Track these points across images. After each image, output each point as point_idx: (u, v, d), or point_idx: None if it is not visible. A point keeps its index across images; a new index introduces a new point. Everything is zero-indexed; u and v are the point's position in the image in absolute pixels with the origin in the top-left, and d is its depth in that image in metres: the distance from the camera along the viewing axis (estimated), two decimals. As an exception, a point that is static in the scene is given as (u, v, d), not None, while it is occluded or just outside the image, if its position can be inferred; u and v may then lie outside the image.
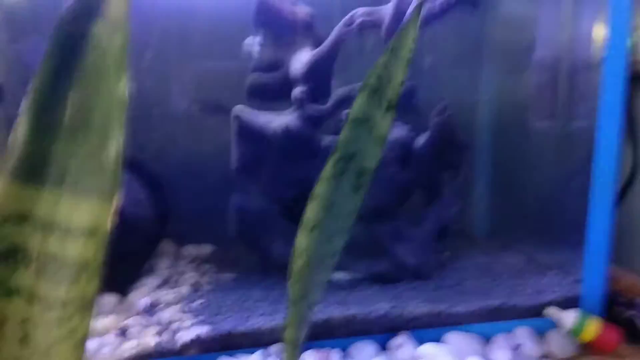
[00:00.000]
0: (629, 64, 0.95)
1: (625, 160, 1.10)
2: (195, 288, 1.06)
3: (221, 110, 1.10)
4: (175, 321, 0.93)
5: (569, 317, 0.97)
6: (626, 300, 1.02)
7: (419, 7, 0.58)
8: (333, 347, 0.91)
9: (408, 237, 1.09)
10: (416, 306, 0.96)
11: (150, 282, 1.07)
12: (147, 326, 0.92)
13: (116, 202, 0.43)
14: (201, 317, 0.93)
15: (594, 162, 0.98)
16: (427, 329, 0.94)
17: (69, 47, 0.43)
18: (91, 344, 0.87)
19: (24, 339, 0.42)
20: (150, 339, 0.89)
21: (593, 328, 0.95)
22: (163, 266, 1.15)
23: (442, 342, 0.94)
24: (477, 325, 0.96)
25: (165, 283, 1.08)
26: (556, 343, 0.96)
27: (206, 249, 1.25)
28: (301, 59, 1.07)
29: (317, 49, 1.07)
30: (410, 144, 1.08)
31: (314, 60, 1.06)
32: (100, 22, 0.41)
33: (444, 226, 1.13)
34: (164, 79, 1.17)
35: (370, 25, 1.05)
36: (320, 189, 0.59)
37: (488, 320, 0.97)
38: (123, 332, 0.92)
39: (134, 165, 1.09)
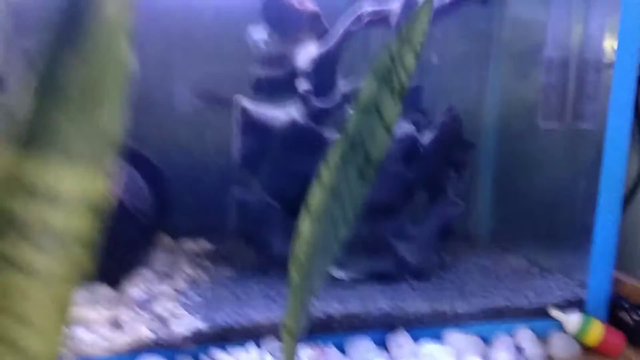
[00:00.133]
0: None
1: (630, 164, 1.08)
2: (192, 282, 1.04)
3: (223, 102, 1.08)
4: (170, 314, 0.91)
5: (572, 320, 0.95)
6: (630, 304, 1.00)
7: (431, -3, 0.56)
8: (330, 343, 0.89)
9: (410, 236, 1.08)
10: (416, 304, 0.95)
11: (146, 274, 1.05)
12: (141, 318, 0.90)
13: (113, 172, 0.42)
14: (197, 310, 0.91)
15: (602, 164, 0.97)
16: (427, 327, 0.92)
17: (71, 13, 0.41)
18: (84, 335, 0.85)
19: (8, 308, 0.40)
20: (144, 331, 0.87)
21: (597, 332, 0.94)
22: (160, 259, 1.13)
23: (441, 340, 0.92)
24: (477, 325, 0.95)
25: (161, 276, 1.06)
26: (558, 345, 0.94)
27: (204, 244, 1.23)
28: (308, 53, 1.06)
29: (325, 43, 1.05)
30: (415, 142, 1.06)
31: (321, 55, 1.05)
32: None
33: (447, 226, 1.11)
34: (165, 68, 1.15)
35: (379, 21, 1.04)
36: (325, 173, 0.57)
37: (489, 320, 0.95)
38: (117, 324, 0.90)
39: (133, 155, 1.07)
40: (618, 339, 0.95)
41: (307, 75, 1.04)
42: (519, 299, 0.99)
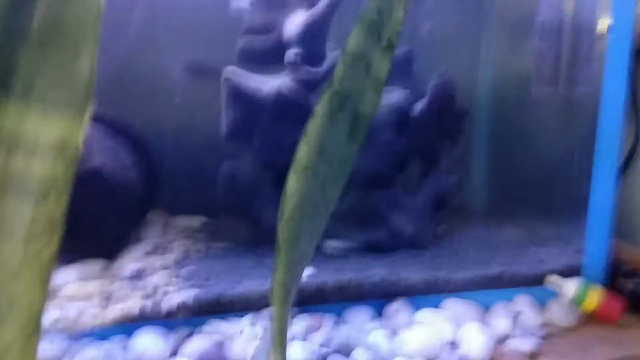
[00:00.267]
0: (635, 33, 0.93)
1: (627, 130, 1.07)
2: (185, 256, 1.03)
3: (210, 72, 1.06)
4: (162, 286, 0.90)
5: (570, 286, 0.94)
6: (630, 270, 0.99)
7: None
8: (327, 313, 0.87)
9: (404, 206, 1.06)
10: (413, 273, 0.93)
11: (138, 249, 1.04)
12: (133, 291, 0.89)
13: (87, 118, 0.40)
14: (189, 282, 0.90)
15: (598, 131, 0.95)
16: (424, 295, 0.91)
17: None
18: (75, 308, 0.84)
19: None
20: (136, 303, 0.85)
21: (595, 297, 0.93)
22: (152, 235, 1.11)
23: (439, 309, 0.91)
24: (475, 293, 0.93)
25: (153, 250, 1.05)
26: (557, 312, 0.93)
27: (197, 220, 1.22)
28: (295, 21, 1.03)
29: (312, 10, 1.03)
30: (406, 110, 1.04)
31: (308, 22, 1.02)
32: None
33: (442, 196, 1.10)
34: (152, 40, 1.13)
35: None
36: (312, 127, 0.55)
37: (487, 288, 0.94)
38: (108, 297, 0.88)
39: (121, 128, 1.05)
40: (617, 304, 0.94)
41: (295, 44, 1.02)
42: (516, 267, 0.98)
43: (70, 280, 0.92)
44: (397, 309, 0.88)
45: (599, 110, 0.95)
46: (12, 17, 0.39)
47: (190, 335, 0.83)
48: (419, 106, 1.06)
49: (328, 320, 0.85)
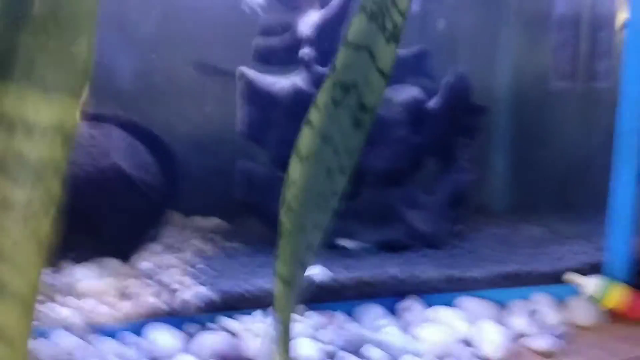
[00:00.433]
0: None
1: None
2: (201, 255, 1.04)
3: (223, 72, 1.07)
4: (178, 284, 0.91)
5: (590, 283, 0.91)
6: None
7: None
8: (339, 310, 0.87)
9: (420, 204, 1.05)
10: (427, 271, 0.92)
11: (156, 248, 1.05)
12: (149, 289, 0.90)
13: (83, 100, 0.41)
14: (204, 280, 0.91)
15: (617, 126, 0.93)
16: (439, 293, 0.90)
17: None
18: (90, 304, 0.85)
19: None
20: (150, 299, 0.86)
21: (617, 295, 0.90)
22: (170, 234, 1.12)
23: (454, 307, 0.89)
24: (491, 291, 0.92)
25: (171, 249, 1.06)
26: (577, 310, 0.91)
27: (215, 220, 1.22)
28: (310, 19, 1.04)
29: (326, 9, 1.04)
30: (422, 106, 1.03)
31: (322, 21, 1.03)
32: None
33: (459, 194, 1.08)
34: (168, 43, 1.14)
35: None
36: (314, 114, 0.55)
37: (503, 286, 0.92)
38: (123, 293, 0.90)
39: (140, 130, 1.07)
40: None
41: (310, 42, 1.02)
42: (535, 265, 0.96)
43: (88, 276, 0.93)
44: (410, 307, 0.87)
45: (619, 105, 0.93)
46: (13, 2, 0.40)
47: (202, 331, 0.83)
48: (435, 103, 1.05)
49: (339, 318, 0.85)
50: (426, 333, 0.81)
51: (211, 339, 0.80)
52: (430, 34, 1.14)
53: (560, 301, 0.93)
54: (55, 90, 0.40)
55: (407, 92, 1.03)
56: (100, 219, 0.98)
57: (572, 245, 1.05)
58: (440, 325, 0.83)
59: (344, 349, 0.78)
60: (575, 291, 0.92)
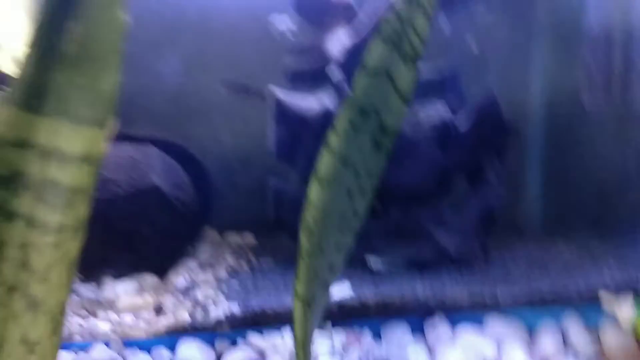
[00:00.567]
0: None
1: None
2: (233, 272, 1.06)
3: (253, 92, 1.10)
4: (210, 300, 0.94)
5: (626, 309, 0.89)
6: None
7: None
8: (365, 327, 0.88)
9: (449, 223, 1.05)
10: (455, 289, 0.92)
11: (190, 264, 1.08)
12: (183, 304, 0.93)
13: (109, 130, 0.44)
14: (235, 297, 0.93)
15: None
16: (466, 313, 0.89)
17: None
18: (128, 319, 0.89)
19: (24, 263, 0.42)
20: (184, 315, 0.89)
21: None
22: (204, 251, 1.16)
23: (481, 326, 0.89)
24: (520, 311, 0.90)
25: (204, 266, 1.09)
26: (608, 335, 0.88)
27: (249, 237, 1.25)
28: (340, 41, 1.06)
29: (356, 28, 1.06)
30: (451, 126, 1.04)
31: (354, 44, 1.05)
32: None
33: (488, 213, 1.08)
34: (200, 63, 1.18)
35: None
36: (333, 138, 0.57)
37: (533, 305, 0.91)
38: (159, 309, 0.93)
39: (176, 149, 1.11)
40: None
41: (340, 64, 1.04)
42: (567, 285, 0.95)
43: (127, 292, 0.97)
44: (437, 326, 0.87)
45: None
46: (47, 40, 0.43)
47: (232, 345, 0.85)
48: (465, 123, 1.05)
49: (365, 336, 0.86)
50: (452, 353, 0.81)
51: (240, 353, 0.82)
52: (464, 53, 1.15)
53: (591, 324, 0.91)
54: (84, 122, 0.43)
55: (437, 113, 1.03)
56: (139, 237, 1.02)
57: (605, 265, 1.03)
58: (466, 347, 0.83)
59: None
60: (607, 314, 0.90)
